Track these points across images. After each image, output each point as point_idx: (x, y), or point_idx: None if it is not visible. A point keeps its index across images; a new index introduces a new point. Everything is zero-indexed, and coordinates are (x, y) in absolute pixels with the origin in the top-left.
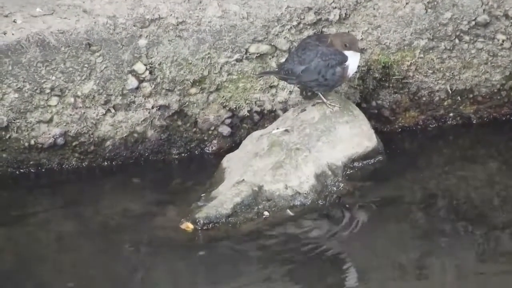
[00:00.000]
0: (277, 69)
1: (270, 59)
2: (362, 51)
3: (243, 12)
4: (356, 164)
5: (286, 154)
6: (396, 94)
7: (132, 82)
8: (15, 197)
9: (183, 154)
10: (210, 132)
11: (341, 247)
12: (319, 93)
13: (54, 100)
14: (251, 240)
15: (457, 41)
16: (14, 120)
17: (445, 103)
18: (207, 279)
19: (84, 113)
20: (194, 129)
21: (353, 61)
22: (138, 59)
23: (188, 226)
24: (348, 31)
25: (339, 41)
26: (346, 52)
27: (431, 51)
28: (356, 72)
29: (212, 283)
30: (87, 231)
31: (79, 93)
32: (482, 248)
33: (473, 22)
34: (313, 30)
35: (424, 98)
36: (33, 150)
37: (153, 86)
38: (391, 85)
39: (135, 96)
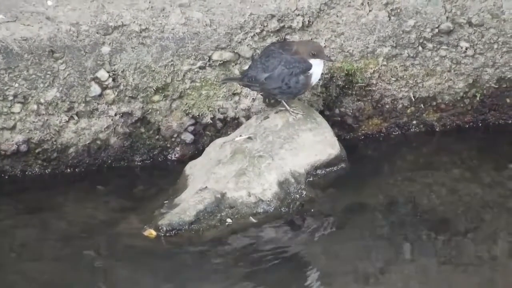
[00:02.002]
0: (240, 76)
1: (233, 66)
2: (330, 59)
3: (206, 19)
4: (319, 171)
5: (249, 161)
6: (359, 102)
7: (95, 89)
8: None
9: (146, 161)
10: (173, 139)
11: (304, 254)
12: (282, 101)
13: (17, 107)
14: (214, 247)
15: (420, 48)
16: None
17: (408, 111)
18: (170, 286)
19: (47, 120)
20: (157, 136)
21: (317, 69)
22: (101, 66)
23: (151, 233)
24: (312, 39)
25: (304, 50)
26: (313, 61)
27: (394, 59)
28: (319, 79)
29: None
30: (50, 238)
31: (42, 100)
32: (445, 255)
33: (437, 30)
34: (276, 37)
35: (387, 106)
36: None
37: (116, 93)
38: (354, 92)
39: (98, 103)
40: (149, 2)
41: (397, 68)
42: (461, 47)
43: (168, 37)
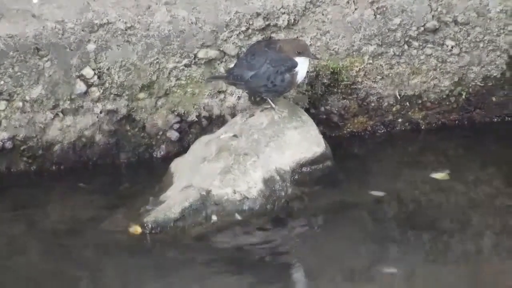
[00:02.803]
0: (226, 74)
1: (218, 64)
2: (316, 56)
3: (191, 17)
4: (304, 169)
5: (234, 159)
6: (345, 100)
7: (81, 87)
8: None
9: (131, 159)
10: (158, 136)
11: (290, 251)
12: (268, 99)
13: (2, 105)
14: (199, 244)
15: (406, 47)
16: None
17: (394, 109)
18: (155, 283)
19: (32, 117)
20: (143, 133)
21: (303, 67)
22: (87, 64)
23: (137, 230)
24: (297, 37)
25: (290, 48)
26: (298, 59)
27: (380, 57)
28: (305, 77)
29: (160, 287)
30: (36, 235)
31: (27, 98)
32: (431, 252)
33: (422, 28)
34: (261, 35)
35: (372, 104)
36: None
37: (101, 91)
38: (339, 90)
39: (83, 101)
40: (135, 0)
41: (382, 67)
42: (447, 46)
43: (154, 35)
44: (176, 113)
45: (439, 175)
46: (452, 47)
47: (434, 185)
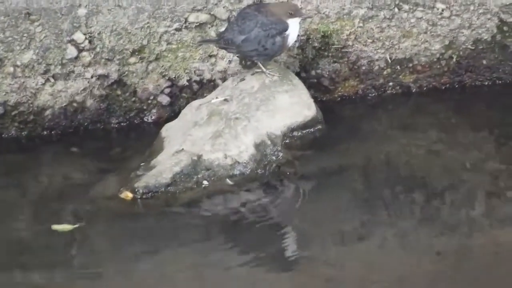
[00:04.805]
0: (217, 38)
1: (209, 28)
2: (309, 15)
3: None
4: (295, 133)
5: (225, 123)
6: (336, 63)
7: (72, 52)
8: None
9: (122, 124)
10: (149, 101)
11: (281, 215)
12: (259, 63)
13: None
14: (190, 209)
15: (396, 10)
16: None
17: (385, 72)
18: (146, 248)
19: (23, 82)
20: (134, 98)
21: (293, 30)
22: (78, 29)
23: (127, 195)
24: (288, 0)
25: (280, 10)
26: (290, 21)
27: (370, 20)
28: (296, 41)
29: (151, 252)
30: (27, 199)
31: (18, 63)
32: (422, 216)
33: None
34: None
35: (363, 67)
36: None
37: (92, 55)
38: (330, 54)
39: (74, 66)
40: None
41: (373, 30)
42: (437, 9)
43: None
44: (167, 78)
45: (61, 227)
46: (442, 10)
47: (425, 148)
